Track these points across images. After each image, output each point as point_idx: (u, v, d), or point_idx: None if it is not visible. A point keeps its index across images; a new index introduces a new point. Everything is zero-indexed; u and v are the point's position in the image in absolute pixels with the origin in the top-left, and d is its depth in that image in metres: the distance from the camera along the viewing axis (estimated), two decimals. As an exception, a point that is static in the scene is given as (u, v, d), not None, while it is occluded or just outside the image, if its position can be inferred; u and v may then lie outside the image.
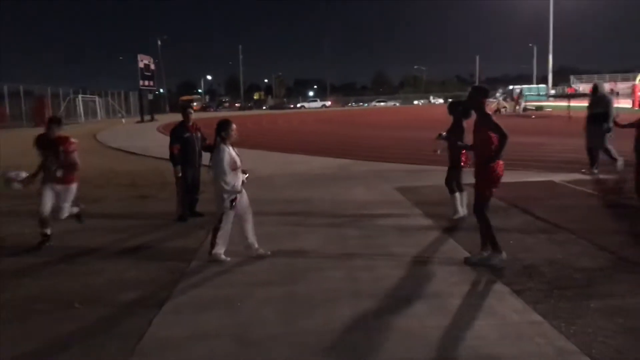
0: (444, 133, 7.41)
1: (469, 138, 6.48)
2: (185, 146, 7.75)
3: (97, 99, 57.93)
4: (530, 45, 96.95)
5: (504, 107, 42.02)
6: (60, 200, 6.70)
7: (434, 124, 8.15)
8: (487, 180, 5.55)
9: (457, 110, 7.30)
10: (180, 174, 7.79)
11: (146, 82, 51.22)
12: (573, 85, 70.72)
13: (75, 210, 7.20)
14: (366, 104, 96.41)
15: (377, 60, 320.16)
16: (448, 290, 4.87)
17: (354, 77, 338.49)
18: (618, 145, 10.80)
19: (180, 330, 4.21)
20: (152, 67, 53.70)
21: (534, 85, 70.40)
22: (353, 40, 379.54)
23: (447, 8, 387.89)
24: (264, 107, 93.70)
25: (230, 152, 5.72)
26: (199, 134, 7.93)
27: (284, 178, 11.90)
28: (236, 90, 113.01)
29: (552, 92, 65.31)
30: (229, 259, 5.85)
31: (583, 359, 3.56)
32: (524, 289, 4.83)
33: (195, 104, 66.33)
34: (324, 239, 6.73)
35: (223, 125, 5.80)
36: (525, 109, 40.13)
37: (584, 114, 11.78)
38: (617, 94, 40.38)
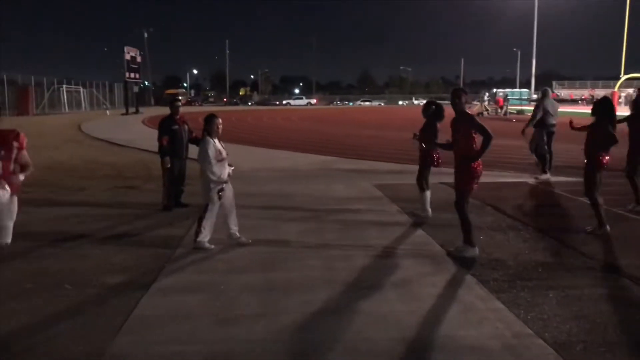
0: (416, 135, 7.73)
1: (442, 138, 6.83)
2: (173, 138, 7.99)
3: (81, 89, 57.60)
4: (515, 49, 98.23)
5: (486, 109, 42.78)
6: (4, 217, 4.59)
7: (415, 124, 8.46)
8: (467, 177, 5.88)
9: (430, 111, 7.66)
10: (169, 165, 8.03)
11: (132, 75, 51.05)
12: (555, 91, 71.88)
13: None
14: (351, 103, 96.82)
15: (363, 60, 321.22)
16: (418, 280, 5.19)
17: (340, 76, 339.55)
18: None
19: (165, 310, 4.47)
20: (139, 59, 53.51)
21: (517, 90, 71.38)
22: (340, 39, 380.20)
23: (435, 10, 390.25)
24: (250, 103, 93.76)
25: (215, 144, 5.99)
26: (186, 127, 8.17)
27: (267, 173, 12.17)
28: (222, 85, 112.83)
29: (535, 96, 66.32)
30: (213, 246, 6.11)
31: (536, 342, 3.89)
32: (489, 279, 5.16)
33: (180, 97, 66.10)
34: (304, 230, 7.02)
35: (208, 120, 6.09)
36: (506, 113, 40.95)
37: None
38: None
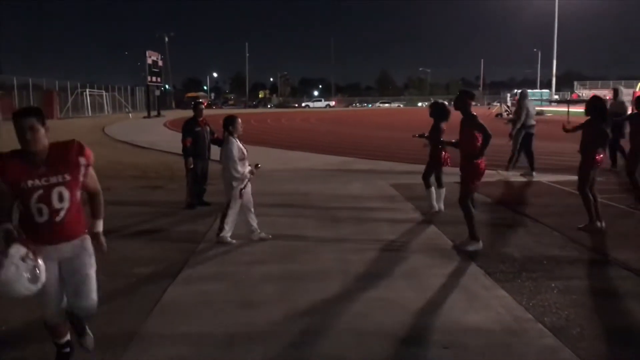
0: (418, 134, 8.23)
1: (448, 138, 7.20)
2: (196, 139, 8.40)
3: (104, 93, 58.69)
4: (535, 50, 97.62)
5: (506, 110, 42.62)
6: None
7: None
8: (471, 174, 6.19)
9: (434, 112, 8.00)
10: (192, 166, 8.43)
11: (154, 78, 51.89)
12: (576, 91, 71.20)
13: None
14: (370, 105, 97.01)
15: (382, 61, 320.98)
16: (428, 271, 5.48)
17: (359, 77, 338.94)
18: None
19: (191, 297, 4.84)
20: (160, 63, 54.38)
21: (537, 90, 70.87)
22: (359, 40, 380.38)
23: (455, 10, 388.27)
24: (269, 106, 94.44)
25: (238, 144, 6.36)
26: (208, 128, 8.57)
27: (286, 173, 12.53)
28: (241, 88, 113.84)
29: (556, 97, 65.88)
30: (234, 241, 6.47)
31: (535, 326, 4.17)
32: (496, 271, 5.43)
33: (201, 100, 66.91)
34: (320, 226, 7.36)
35: (230, 120, 6.47)
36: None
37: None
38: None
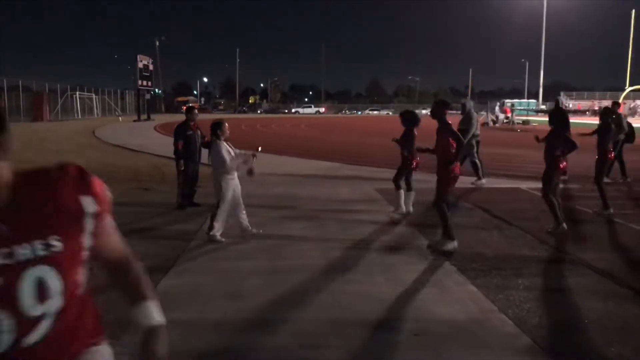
0: (394, 139, 8.66)
1: (420, 144, 7.71)
2: (187, 143, 8.76)
3: (94, 96, 58.75)
4: (523, 60, 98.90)
5: (493, 120, 43.35)
6: None
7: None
8: (446, 178, 6.59)
9: (405, 120, 8.48)
10: (183, 168, 8.79)
11: (144, 82, 52.09)
12: (563, 102, 72.17)
13: None
14: (359, 112, 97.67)
15: (372, 69, 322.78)
16: (405, 268, 5.86)
17: (349, 84, 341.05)
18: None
19: (183, 288, 5.19)
20: (151, 67, 54.59)
21: (525, 100, 71.83)
22: (350, 48, 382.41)
23: (446, 21, 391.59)
24: (259, 111, 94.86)
25: (226, 146, 6.76)
26: (199, 132, 8.93)
27: (275, 177, 12.86)
28: (231, 93, 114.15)
29: (543, 107, 66.75)
30: (224, 239, 6.82)
31: (499, 316, 4.56)
32: (468, 268, 5.83)
33: (190, 104, 67.20)
34: (306, 227, 7.73)
35: (218, 124, 6.85)
36: (512, 122, 41.55)
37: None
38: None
